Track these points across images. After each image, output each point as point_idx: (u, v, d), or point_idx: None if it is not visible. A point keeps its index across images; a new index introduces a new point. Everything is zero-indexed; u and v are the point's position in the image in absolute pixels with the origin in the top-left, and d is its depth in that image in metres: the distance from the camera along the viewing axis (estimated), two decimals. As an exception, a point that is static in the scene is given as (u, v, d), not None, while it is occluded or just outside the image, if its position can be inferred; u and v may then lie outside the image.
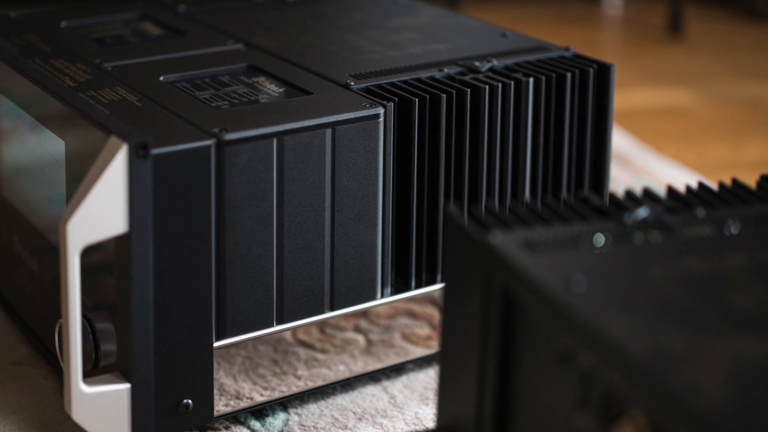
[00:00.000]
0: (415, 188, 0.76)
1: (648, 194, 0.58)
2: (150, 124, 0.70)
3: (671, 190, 0.59)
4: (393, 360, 0.78)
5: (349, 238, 0.74)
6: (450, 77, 0.79)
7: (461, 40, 0.87)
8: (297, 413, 0.76)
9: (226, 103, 0.75)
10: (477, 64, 0.80)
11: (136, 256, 0.65)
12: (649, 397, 0.41)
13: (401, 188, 0.76)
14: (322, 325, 0.75)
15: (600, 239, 0.52)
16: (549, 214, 0.55)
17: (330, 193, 0.72)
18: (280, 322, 0.73)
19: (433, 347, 0.79)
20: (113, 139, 0.65)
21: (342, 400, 0.78)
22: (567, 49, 0.84)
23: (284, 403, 0.77)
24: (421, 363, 0.81)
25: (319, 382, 0.76)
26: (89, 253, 0.66)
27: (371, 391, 0.79)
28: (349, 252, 0.74)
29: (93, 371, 0.68)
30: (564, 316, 0.46)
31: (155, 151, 0.65)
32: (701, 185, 0.59)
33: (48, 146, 0.75)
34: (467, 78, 0.79)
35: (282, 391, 0.75)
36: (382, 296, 0.76)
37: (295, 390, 0.75)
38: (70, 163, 0.72)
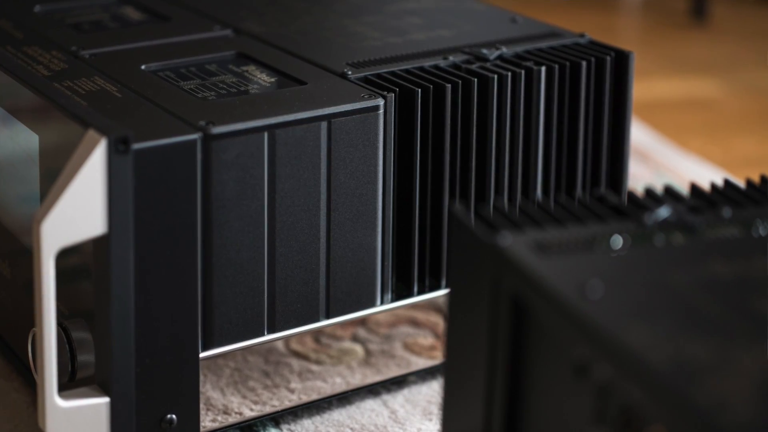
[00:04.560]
0: (417, 186, 0.76)
1: (670, 192, 0.58)
2: (131, 117, 0.70)
3: (695, 188, 0.59)
4: (394, 372, 0.79)
5: (347, 239, 0.74)
6: (455, 66, 0.79)
7: (467, 25, 0.87)
8: (290, 429, 0.76)
9: (213, 93, 0.75)
10: (485, 51, 0.80)
11: (116, 260, 0.65)
12: (671, 411, 0.41)
13: (403, 186, 0.76)
14: (317, 334, 0.75)
15: (618, 241, 0.52)
16: (562, 214, 0.55)
17: (326, 191, 0.72)
18: (271, 330, 0.73)
19: (437, 358, 0.80)
20: (91, 133, 0.65)
21: (339, 415, 0.78)
22: (582, 36, 0.84)
23: (276, 419, 0.77)
24: (425, 375, 0.81)
25: (314, 396, 0.76)
26: (65, 256, 0.66)
27: (370, 405, 0.79)
28: (347, 255, 0.74)
29: (69, 384, 0.68)
30: (579, 324, 0.46)
31: (136, 145, 0.65)
32: (727, 183, 0.59)
33: (20, 140, 0.75)
34: (474, 67, 0.79)
35: (274, 406, 0.75)
36: (382, 303, 0.77)
37: (287, 404, 0.75)
38: (44, 158, 0.72)
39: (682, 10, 1.88)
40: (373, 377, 0.78)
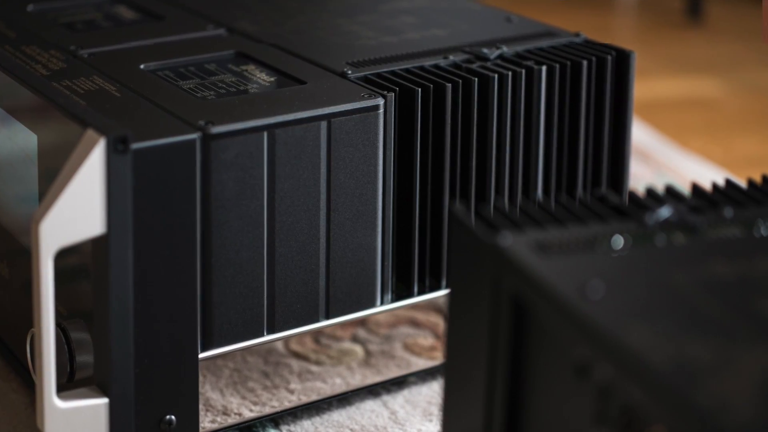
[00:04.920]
0: (417, 186, 0.77)
1: (671, 192, 0.58)
2: (130, 117, 0.70)
3: (696, 188, 0.59)
4: (394, 372, 0.79)
5: (347, 240, 0.74)
6: (456, 65, 0.79)
7: (462, 24, 0.87)
8: (289, 430, 0.76)
9: (212, 93, 0.75)
10: (485, 51, 0.80)
11: (115, 260, 0.65)
12: (672, 412, 0.41)
13: (403, 186, 0.77)
14: (316, 335, 0.75)
15: (619, 241, 0.52)
16: (563, 214, 0.55)
17: (325, 191, 0.72)
18: (271, 331, 0.73)
19: (437, 358, 0.80)
20: (90, 133, 0.65)
21: (338, 416, 0.78)
22: (577, 35, 0.84)
23: (276, 420, 0.77)
24: (425, 376, 0.81)
25: (314, 397, 0.76)
26: (64, 257, 0.66)
27: (370, 406, 0.79)
28: (347, 255, 0.74)
29: (68, 384, 0.68)
30: (580, 324, 0.46)
31: (135, 145, 0.65)
32: (728, 182, 0.59)
33: (19, 140, 0.75)
34: (474, 66, 0.79)
35: (273, 407, 0.75)
36: (382, 303, 0.77)
37: (287, 405, 0.75)
38: (43, 158, 0.72)
39: (678, 10, 1.88)
40: (373, 378, 0.78)
